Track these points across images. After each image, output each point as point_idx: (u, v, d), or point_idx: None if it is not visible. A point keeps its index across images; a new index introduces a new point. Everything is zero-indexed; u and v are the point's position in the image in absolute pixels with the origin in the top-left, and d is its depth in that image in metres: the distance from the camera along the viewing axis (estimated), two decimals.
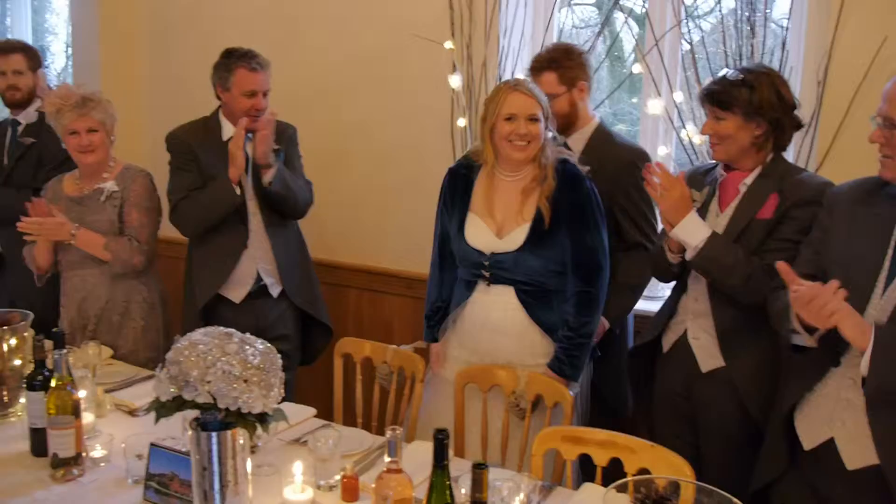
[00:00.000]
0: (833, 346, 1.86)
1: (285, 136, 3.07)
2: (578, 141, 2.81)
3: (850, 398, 1.84)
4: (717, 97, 2.27)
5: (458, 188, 2.60)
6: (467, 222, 2.55)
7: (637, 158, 2.73)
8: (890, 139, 1.79)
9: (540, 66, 2.77)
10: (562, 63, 2.74)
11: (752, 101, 2.22)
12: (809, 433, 1.93)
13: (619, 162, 2.71)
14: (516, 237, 2.47)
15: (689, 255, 2.27)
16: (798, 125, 2.31)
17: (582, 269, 2.48)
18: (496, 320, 2.52)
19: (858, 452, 1.82)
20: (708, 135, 2.33)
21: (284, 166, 3.00)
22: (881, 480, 1.77)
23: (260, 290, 3.05)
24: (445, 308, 2.67)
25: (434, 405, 2.63)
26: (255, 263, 3.02)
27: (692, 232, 2.23)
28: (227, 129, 2.99)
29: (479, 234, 2.52)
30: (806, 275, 1.91)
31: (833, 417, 1.87)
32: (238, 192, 2.90)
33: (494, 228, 2.51)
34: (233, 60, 2.90)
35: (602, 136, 2.79)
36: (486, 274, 2.52)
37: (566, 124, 2.78)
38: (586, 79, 2.79)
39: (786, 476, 1.99)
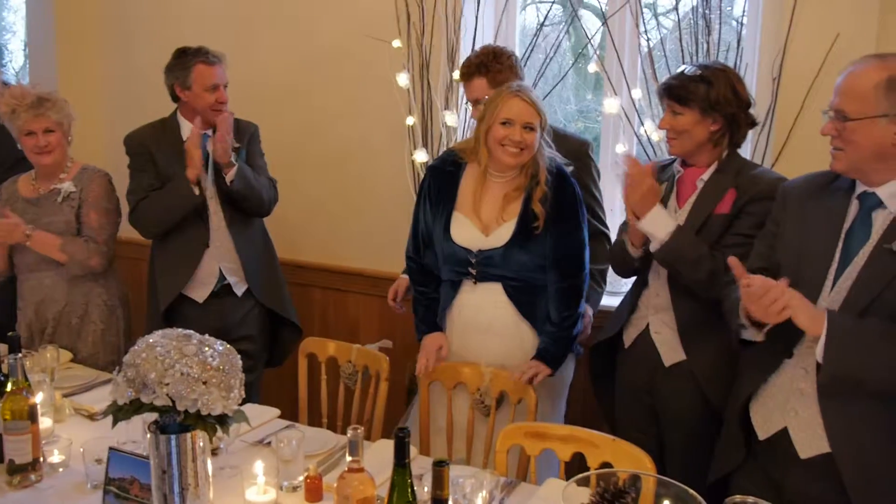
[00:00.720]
0: (786, 338, 1.88)
1: (247, 135, 3.06)
2: None
3: (803, 388, 1.87)
4: (675, 92, 2.30)
5: (443, 186, 2.53)
6: (453, 221, 2.50)
7: (587, 148, 2.78)
8: (841, 132, 1.82)
9: (469, 71, 2.72)
10: (491, 67, 2.67)
11: (709, 96, 2.25)
12: (764, 423, 1.95)
13: (570, 156, 2.72)
14: (502, 233, 2.44)
15: (653, 248, 2.28)
16: (752, 123, 2.35)
17: (563, 264, 2.46)
18: (485, 320, 2.48)
19: (811, 441, 1.85)
20: (665, 129, 2.36)
21: (247, 164, 2.98)
22: (832, 468, 1.80)
23: (223, 289, 3.03)
24: (432, 293, 2.60)
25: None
26: (218, 262, 3.00)
27: (659, 224, 2.24)
28: (186, 129, 2.96)
29: (465, 232, 2.48)
30: (759, 269, 1.94)
31: (786, 407, 1.90)
32: (197, 191, 2.88)
33: (480, 226, 2.47)
34: (189, 58, 2.89)
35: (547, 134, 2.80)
36: (473, 271, 2.48)
37: None
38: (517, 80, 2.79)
39: (743, 466, 2.02)
